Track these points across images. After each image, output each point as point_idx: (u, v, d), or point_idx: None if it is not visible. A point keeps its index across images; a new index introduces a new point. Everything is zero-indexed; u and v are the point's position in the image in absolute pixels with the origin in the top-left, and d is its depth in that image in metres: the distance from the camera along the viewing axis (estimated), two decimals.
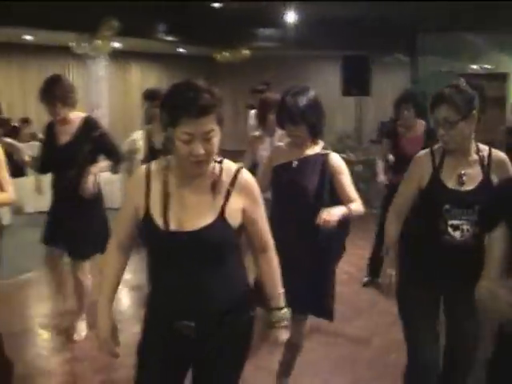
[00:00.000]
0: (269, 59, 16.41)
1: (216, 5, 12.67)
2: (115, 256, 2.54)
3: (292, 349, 3.85)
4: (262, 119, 5.27)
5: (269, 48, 14.88)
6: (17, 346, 4.65)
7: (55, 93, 4.69)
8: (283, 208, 3.58)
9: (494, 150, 3.13)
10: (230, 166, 2.42)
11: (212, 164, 2.35)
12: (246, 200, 2.39)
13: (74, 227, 4.74)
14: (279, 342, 2.58)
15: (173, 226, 2.29)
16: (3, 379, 3.76)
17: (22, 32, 11.91)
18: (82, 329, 5.04)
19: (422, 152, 3.25)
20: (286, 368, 4.03)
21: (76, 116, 4.84)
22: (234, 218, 2.35)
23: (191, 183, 2.36)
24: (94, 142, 4.76)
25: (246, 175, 2.42)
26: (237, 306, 2.43)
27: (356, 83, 11.71)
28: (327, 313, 3.71)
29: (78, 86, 14.15)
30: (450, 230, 3.04)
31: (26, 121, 10.24)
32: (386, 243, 3.35)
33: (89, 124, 4.83)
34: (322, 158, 3.60)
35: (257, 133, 5.41)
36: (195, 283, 2.33)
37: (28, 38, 12.54)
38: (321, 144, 3.69)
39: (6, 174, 3.76)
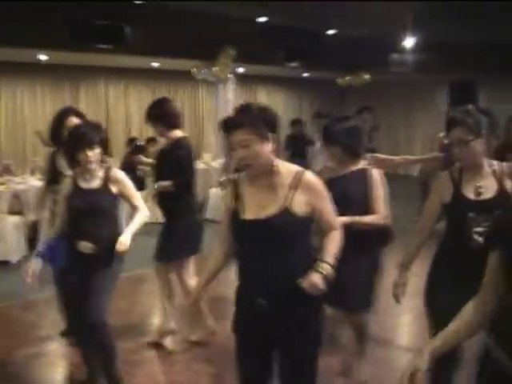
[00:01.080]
0: (388, 83, 16.72)
1: (330, 32, 13.26)
2: (217, 246, 3.19)
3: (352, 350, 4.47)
4: None
5: (389, 72, 15.22)
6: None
7: (156, 114, 5.22)
8: None
9: (503, 164, 3.49)
10: (287, 166, 3.01)
11: (270, 167, 2.94)
12: (310, 195, 2.93)
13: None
14: (316, 285, 2.80)
15: (247, 216, 2.93)
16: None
17: (150, 60, 13.07)
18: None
19: (442, 174, 3.69)
20: (345, 368, 4.54)
21: (174, 135, 5.23)
22: (298, 209, 2.90)
23: (257, 183, 2.99)
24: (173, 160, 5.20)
25: (308, 175, 2.96)
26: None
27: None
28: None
29: (207, 108, 15.41)
30: (475, 236, 3.38)
31: (152, 140, 11.22)
32: (403, 259, 3.79)
33: (177, 143, 5.23)
34: (363, 173, 4.19)
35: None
36: (266, 264, 2.89)
37: (155, 64, 13.74)
38: (362, 163, 4.25)
39: (136, 194, 4.29)
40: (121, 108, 14.63)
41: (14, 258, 8.04)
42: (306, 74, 16.91)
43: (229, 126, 2.84)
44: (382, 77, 15.78)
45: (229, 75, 14.93)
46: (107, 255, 4.08)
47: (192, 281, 5.27)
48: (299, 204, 2.89)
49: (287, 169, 2.97)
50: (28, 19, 9.62)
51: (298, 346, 2.92)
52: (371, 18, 12.06)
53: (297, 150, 10.20)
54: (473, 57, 13.95)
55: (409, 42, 13.74)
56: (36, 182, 8.88)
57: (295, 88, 18.15)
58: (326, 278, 2.81)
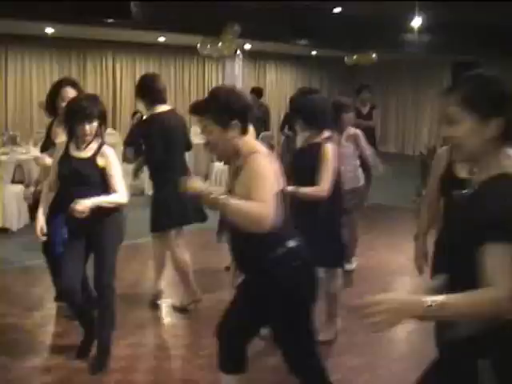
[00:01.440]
0: (394, 62, 16.73)
1: (336, 10, 13.26)
2: None
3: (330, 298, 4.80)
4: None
5: (396, 52, 15.23)
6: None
7: (139, 90, 5.47)
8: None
9: None
10: (250, 149, 3.01)
11: (234, 153, 3.03)
12: (245, 178, 2.94)
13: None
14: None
15: None
16: None
17: (157, 35, 13.16)
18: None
19: (441, 149, 3.83)
20: (329, 316, 4.91)
21: (154, 111, 5.37)
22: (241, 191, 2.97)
23: (230, 167, 3.18)
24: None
25: (252, 157, 2.94)
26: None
27: None
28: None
29: (214, 83, 15.50)
30: None
31: None
32: (417, 231, 3.95)
33: (151, 120, 5.41)
34: (317, 146, 4.39)
35: None
36: (235, 246, 3.16)
37: (162, 39, 13.83)
38: (324, 136, 4.37)
39: (117, 175, 4.31)
40: (128, 82, 14.73)
41: (14, 225, 8.23)
42: (314, 52, 16.91)
43: (193, 111, 2.99)
44: (391, 55, 15.78)
45: (237, 52, 15.03)
46: (106, 218, 4.26)
47: (180, 252, 5.51)
48: (240, 186, 2.97)
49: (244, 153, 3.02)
50: None
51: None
52: None
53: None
54: (481, 37, 13.92)
55: (416, 22, 13.75)
56: (39, 152, 9.02)
57: (304, 65, 18.18)
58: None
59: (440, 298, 1.94)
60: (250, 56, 16.10)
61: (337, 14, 14.10)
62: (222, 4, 11.50)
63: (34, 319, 5.34)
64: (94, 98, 4.33)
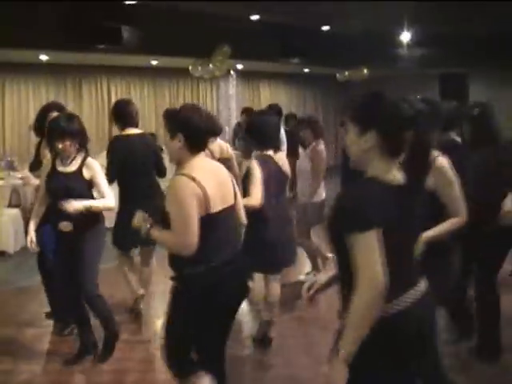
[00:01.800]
0: (386, 77, 16.91)
1: (324, 28, 13.54)
2: None
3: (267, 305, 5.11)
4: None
5: (386, 67, 15.48)
6: None
7: (111, 114, 5.86)
8: None
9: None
10: (178, 169, 3.26)
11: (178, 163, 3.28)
12: None
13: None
14: None
15: None
16: None
17: (148, 58, 13.42)
18: None
19: None
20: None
21: (130, 133, 5.66)
22: None
23: None
24: None
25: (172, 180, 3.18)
26: None
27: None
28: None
29: (209, 104, 15.72)
30: None
31: (152, 135, 11.53)
32: None
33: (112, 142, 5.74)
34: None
35: None
36: None
37: (154, 62, 14.07)
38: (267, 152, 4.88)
39: (103, 183, 4.66)
40: None
41: (10, 248, 8.42)
42: (306, 70, 17.16)
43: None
44: (382, 70, 16.01)
45: (231, 72, 15.30)
46: (88, 232, 4.56)
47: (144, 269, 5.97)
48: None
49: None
50: (26, 21, 9.97)
51: None
52: (368, 14, 12.29)
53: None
54: (470, 50, 14.14)
55: (406, 36, 14.01)
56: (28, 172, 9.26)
57: (298, 83, 18.40)
58: None
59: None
60: (243, 76, 16.35)
61: (326, 31, 14.40)
62: (212, 25, 11.78)
63: (27, 335, 5.51)
64: (71, 118, 4.63)
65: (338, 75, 15.94)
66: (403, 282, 2.36)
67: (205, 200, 3.03)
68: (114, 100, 14.72)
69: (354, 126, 2.39)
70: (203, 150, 3.23)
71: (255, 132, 4.81)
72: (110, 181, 5.27)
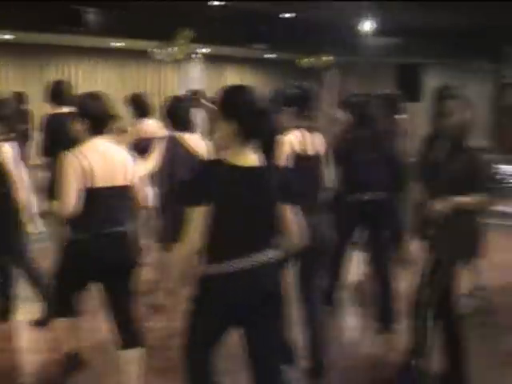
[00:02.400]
0: (349, 65, 17.23)
1: (287, 15, 13.81)
2: None
3: None
4: None
5: (349, 55, 15.81)
6: None
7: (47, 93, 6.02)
8: None
9: None
10: None
11: None
12: None
13: None
14: None
15: None
16: None
17: (113, 40, 13.64)
18: None
19: None
20: None
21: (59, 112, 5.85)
22: None
23: None
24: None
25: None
26: None
27: (407, 90, 12.32)
28: None
29: (171, 86, 15.92)
30: None
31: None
32: None
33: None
34: None
35: None
36: None
37: (117, 44, 14.31)
38: None
39: (11, 170, 4.77)
40: (88, 87, 15.09)
41: None
42: (273, 56, 17.45)
43: None
44: (346, 58, 16.34)
45: (194, 55, 15.54)
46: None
47: None
48: None
49: None
50: None
51: None
52: (333, 2, 12.53)
53: None
54: (428, 41, 14.50)
55: (367, 26, 14.34)
56: None
57: (264, 68, 18.67)
58: None
59: None
60: (209, 60, 16.60)
61: (291, 18, 14.67)
62: (176, 9, 12.00)
63: None
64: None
65: (302, 61, 16.25)
66: (232, 250, 2.72)
67: (88, 175, 3.45)
68: (80, 81, 15.00)
69: (220, 115, 2.78)
70: (101, 133, 3.59)
71: (168, 115, 5.06)
72: (41, 155, 5.69)
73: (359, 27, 14.39)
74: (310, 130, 4.15)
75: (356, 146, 5.03)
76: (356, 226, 5.24)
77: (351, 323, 5.85)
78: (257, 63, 18.30)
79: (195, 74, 15.70)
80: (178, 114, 5.00)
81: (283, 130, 3.97)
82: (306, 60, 16.36)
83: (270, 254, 2.78)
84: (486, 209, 3.92)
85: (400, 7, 12.70)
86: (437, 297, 3.98)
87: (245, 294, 2.76)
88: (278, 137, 2.95)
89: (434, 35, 14.25)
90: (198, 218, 2.69)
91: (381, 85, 17.88)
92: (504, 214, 8.73)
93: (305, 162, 4.04)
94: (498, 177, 11.23)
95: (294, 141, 4.04)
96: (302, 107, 4.13)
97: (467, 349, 4.07)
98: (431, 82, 14.70)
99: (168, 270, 4.77)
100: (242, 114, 2.71)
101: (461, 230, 3.92)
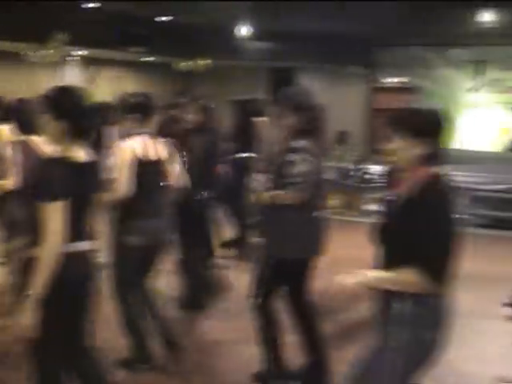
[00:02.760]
0: (227, 69, 17.40)
1: (164, 18, 13.82)
2: None
3: None
4: None
5: (227, 59, 15.97)
6: None
7: None
8: None
9: None
10: None
11: None
12: None
13: None
14: None
15: None
16: None
17: None
18: None
19: None
20: None
21: None
22: None
23: None
24: None
25: None
26: None
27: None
28: None
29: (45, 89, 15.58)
30: None
31: None
32: None
33: None
34: None
35: None
36: None
37: None
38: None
39: None
40: None
41: None
42: (150, 59, 17.38)
43: None
44: (225, 62, 16.50)
45: (71, 58, 15.25)
46: None
47: None
48: None
49: None
50: None
51: None
52: (209, 6, 12.61)
53: None
54: (305, 45, 14.85)
55: (244, 30, 14.53)
56: None
57: (142, 72, 18.52)
58: None
59: None
60: (86, 62, 16.33)
61: (168, 21, 14.65)
62: (50, 11, 11.75)
63: None
64: None
65: (180, 65, 16.29)
66: (75, 234, 2.97)
67: None
68: None
69: (49, 114, 2.96)
70: None
71: (15, 117, 5.00)
72: None
73: (236, 31, 14.56)
74: (153, 136, 4.29)
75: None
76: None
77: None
78: (135, 66, 18.15)
79: (72, 77, 15.38)
80: (23, 117, 4.94)
81: (126, 136, 4.09)
82: (183, 63, 16.39)
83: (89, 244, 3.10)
84: (293, 203, 4.04)
85: (276, 12, 12.96)
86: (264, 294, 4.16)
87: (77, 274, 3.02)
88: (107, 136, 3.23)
89: (308, 40, 14.59)
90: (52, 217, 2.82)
91: (258, 88, 18.27)
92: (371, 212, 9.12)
93: (147, 167, 4.15)
94: (367, 177, 11.74)
95: (136, 147, 4.12)
96: (144, 115, 4.32)
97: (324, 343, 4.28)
98: (305, 85, 15.13)
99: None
100: (71, 114, 2.92)
101: (285, 226, 4.10)
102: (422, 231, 2.60)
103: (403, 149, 2.72)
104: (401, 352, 2.70)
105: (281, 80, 13.08)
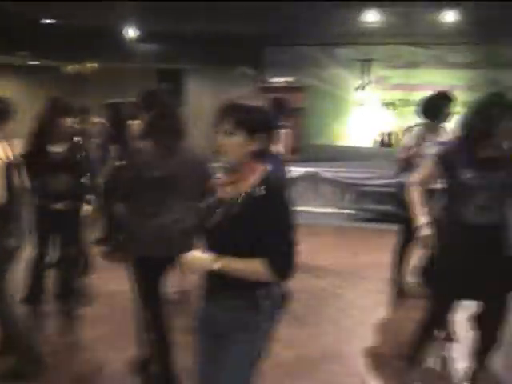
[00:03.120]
0: (114, 71, 17.17)
1: (48, 21, 13.45)
2: None
3: None
4: None
5: (115, 61, 15.72)
6: None
7: None
8: None
9: None
10: None
11: None
12: None
13: None
14: None
15: None
16: None
17: None
18: None
19: None
20: None
21: None
22: None
23: None
24: None
25: None
26: None
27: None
28: None
29: None
30: None
31: None
32: None
33: None
34: None
35: None
36: None
37: None
38: None
39: None
40: None
41: None
42: (36, 62, 16.91)
43: None
44: (112, 64, 16.22)
45: None
46: None
47: None
48: None
49: None
50: None
51: None
52: (92, 8, 12.33)
53: None
54: (193, 47, 14.79)
55: (133, 32, 14.33)
56: None
57: (28, 76, 18.02)
58: None
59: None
60: None
61: (53, 24, 14.27)
62: None
63: None
64: None
65: (67, 68, 15.92)
66: None
67: None
68: None
69: None
70: None
71: None
72: None
73: (124, 33, 14.34)
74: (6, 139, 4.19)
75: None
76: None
77: None
78: (20, 70, 17.62)
79: None
80: None
81: None
82: (71, 66, 16.01)
83: None
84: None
85: (163, 13, 12.85)
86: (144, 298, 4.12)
87: None
88: None
89: (197, 41, 14.55)
90: None
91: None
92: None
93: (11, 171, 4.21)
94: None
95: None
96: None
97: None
98: (193, 87, 15.13)
99: None
100: None
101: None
102: (266, 225, 2.64)
103: (237, 146, 2.69)
104: (252, 342, 2.77)
105: (168, 82, 12.96)
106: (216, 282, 2.77)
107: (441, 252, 4.06)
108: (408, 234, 5.82)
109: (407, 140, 6.25)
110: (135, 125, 6.87)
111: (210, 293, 2.87)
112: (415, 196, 4.21)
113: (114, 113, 7.02)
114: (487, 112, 3.85)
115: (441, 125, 6.12)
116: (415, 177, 4.35)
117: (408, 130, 6.58)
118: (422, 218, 4.11)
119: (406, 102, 15.48)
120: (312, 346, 5.20)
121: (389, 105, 15.91)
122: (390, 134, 15.78)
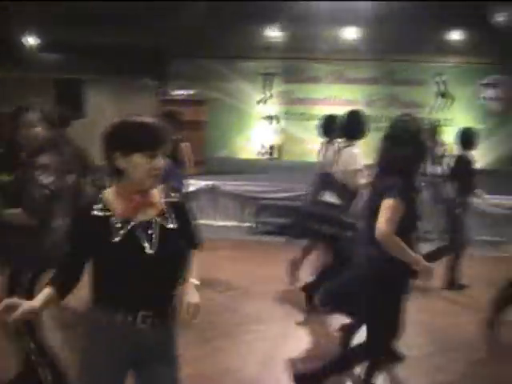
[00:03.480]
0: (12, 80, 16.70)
1: None
2: None
3: None
4: None
5: (13, 70, 15.25)
6: None
7: None
8: None
9: None
10: None
11: None
12: None
13: None
14: None
15: None
16: None
17: None
18: None
19: None
20: None
21: None
22: None
23: None
24: None
25: None
26: None
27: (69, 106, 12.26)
28: None
29: None
30: None
31: None
32: None
33: None
34: None
35: None
36: None
37: None
38: None
39: None
40: None
41: None
42: None
43: None
44: (13, 74, 15.75)
45: None
46: None
47: None
48: None
49: None
50: None
51: None
52: None
53: None
54: (93, 58, 14.55)
55: (33, 40, 14.00)
56: None
57: None
58: None
59: None
60: None
61: None
62: None
63: None
64: None
65: None
66: None
67: None
68: None
69: None
70: None
71: None
72: None
73: (23, 42, 13.98)
74: None
75: None
76: None
77: None
78: None
79: None
80: None
81: None
82: None
83: None
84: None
85: (65, 23, 12.63)
86: None
87: None
88: None
89: (99, 52, 14.34)
90: None
91: (47, 101, 17.65)
92: None
93: None
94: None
95: None
96: None
97: None
98: (94, 98, 14.86)
99: None
100: None
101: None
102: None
103: (136, 165, 2.59)
104: None
105: (67, 92, 12.69)
106: None
107: None
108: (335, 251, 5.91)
109: (353, 159, 6.02)
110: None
111: None
112: (398, 245, 3.78)
113: (9, 122, 6.78)
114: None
115: (355, 142, 6.06)
116: (384, 226, 3.76)
117: (329, 144, 6.65)
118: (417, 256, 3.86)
119: (306, 116, 15.76)
120: (209, 363, 5.17)
121: (272, 118, 16.19)
122: (271, 147, 16.03)
